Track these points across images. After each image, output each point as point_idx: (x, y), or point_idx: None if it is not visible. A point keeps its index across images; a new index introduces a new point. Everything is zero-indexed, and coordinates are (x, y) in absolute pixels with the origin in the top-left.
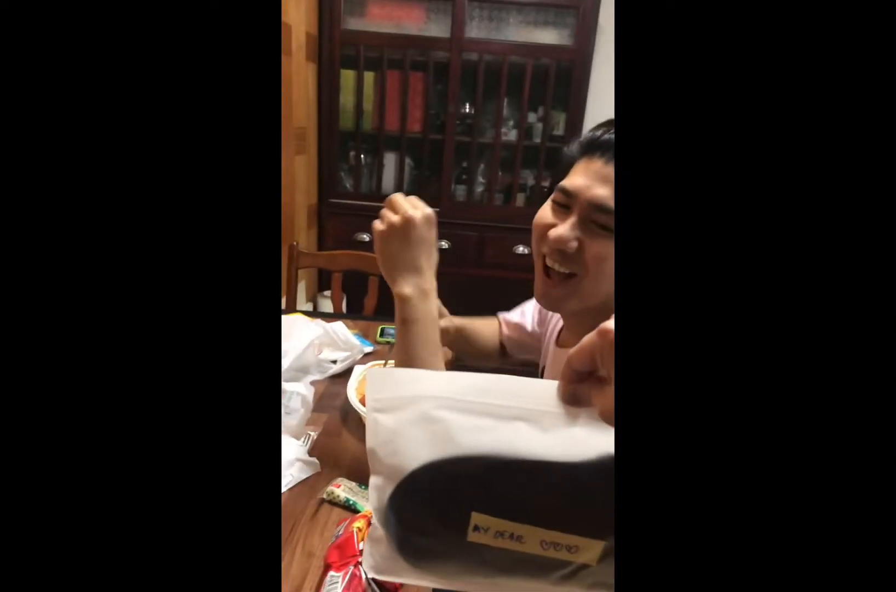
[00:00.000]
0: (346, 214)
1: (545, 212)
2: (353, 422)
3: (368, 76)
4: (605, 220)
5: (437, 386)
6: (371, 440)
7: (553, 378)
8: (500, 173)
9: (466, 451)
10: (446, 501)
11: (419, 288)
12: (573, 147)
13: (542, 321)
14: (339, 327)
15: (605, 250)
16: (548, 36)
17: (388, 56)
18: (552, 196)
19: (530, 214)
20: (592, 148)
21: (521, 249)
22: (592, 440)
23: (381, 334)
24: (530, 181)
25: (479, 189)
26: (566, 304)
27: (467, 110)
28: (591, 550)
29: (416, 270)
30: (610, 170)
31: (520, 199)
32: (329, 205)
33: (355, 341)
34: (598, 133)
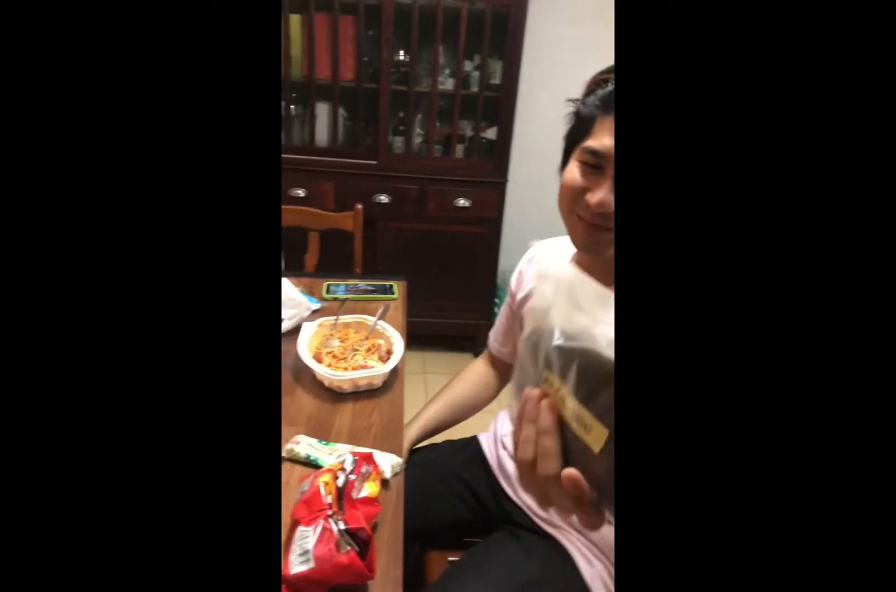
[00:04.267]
0: None
1: (574, 174)
2: (305, 379)
3: (294, 19)
4: None
5: None
6: None
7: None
8: (437, 124)
9: None
10: None
11: None
12: (589, 103)
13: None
14: (285, 285)
15: None
16: None
17: None
18: (577, 156)
19: (470, 166)
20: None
21: (461, 201)
22: None
23: (328, 291)
24: (469, 132)
25: (418, 141)
26: (609, 250)
27: (402, 58)
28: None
29: None
30: None
31: (459, 150)
32: None
33: (302, 297)
34: None
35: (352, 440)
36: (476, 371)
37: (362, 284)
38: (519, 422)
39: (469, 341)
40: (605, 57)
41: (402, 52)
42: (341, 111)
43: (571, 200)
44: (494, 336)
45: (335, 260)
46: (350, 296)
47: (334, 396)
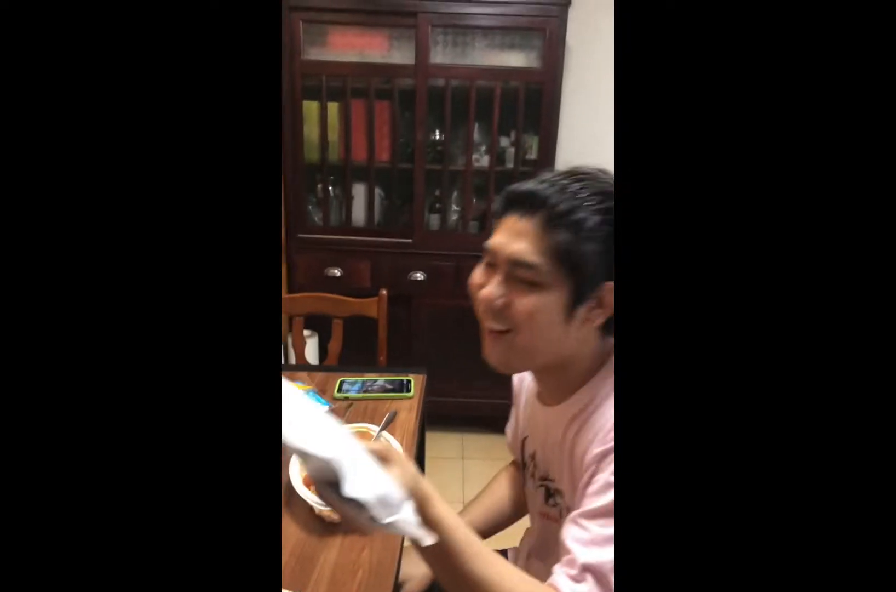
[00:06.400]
0: (316, 249)
1: (477, 272)
2: (296, 503)
3: (332, 106)
4: (526, 274)
5: None
6: None
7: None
8: (473, 201)
9: None
10: None
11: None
12: (498, 203)
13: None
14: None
15: (531, 305)
16: (515, 59)
17: (351, 85)
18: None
19: None
20: (507, 205)
21: None
22: None
23: (339, 389)
24: None
25: (454, 218)
26: (510, 361)
27: (437, 137)
28: None
29: None
30: (524, 224)
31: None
32: (298, 240)
33: None
34: (511, 189)
35: (331, 588)
36: (509, 473)
37: (381, 380)
38: None
39: None
40: None
41: (437, 132)
42: (378, 191)
43: (475, 300)
44: (511, 436)
45: (368, 344)
46: (360, 396)
47: (323, 526)
